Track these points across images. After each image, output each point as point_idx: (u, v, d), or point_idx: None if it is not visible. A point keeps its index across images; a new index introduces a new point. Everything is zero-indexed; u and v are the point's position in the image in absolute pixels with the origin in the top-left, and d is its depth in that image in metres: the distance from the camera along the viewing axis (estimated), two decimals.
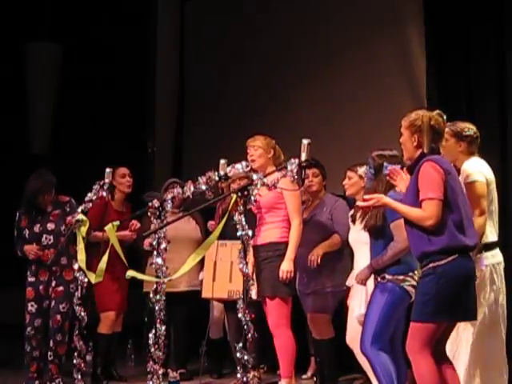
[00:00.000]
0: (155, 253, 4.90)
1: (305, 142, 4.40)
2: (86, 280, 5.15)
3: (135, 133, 8.95)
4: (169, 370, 5.78)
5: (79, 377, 5.15)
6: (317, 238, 5.20)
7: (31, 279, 5.49)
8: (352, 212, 4.93)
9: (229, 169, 4.76)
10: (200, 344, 5.98)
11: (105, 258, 5.06)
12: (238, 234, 4.52)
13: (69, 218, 5.36)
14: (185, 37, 9.08)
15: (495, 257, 4.26)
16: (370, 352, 4.22)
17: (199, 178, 4.80)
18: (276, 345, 4.90)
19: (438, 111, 3.84)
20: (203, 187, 4.78)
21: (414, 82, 6.57)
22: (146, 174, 8.75)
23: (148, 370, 4.88)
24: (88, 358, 5.85)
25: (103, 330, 5.79)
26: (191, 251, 4.94)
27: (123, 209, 5.94)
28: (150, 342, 4.85)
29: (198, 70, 8.80)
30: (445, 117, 3.84)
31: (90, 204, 5.31)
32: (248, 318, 4.41)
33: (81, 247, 5.15)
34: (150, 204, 5.00)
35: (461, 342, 4.18)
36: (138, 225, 5.75)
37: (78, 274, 5.17)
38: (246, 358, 4.40)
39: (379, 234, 4.27)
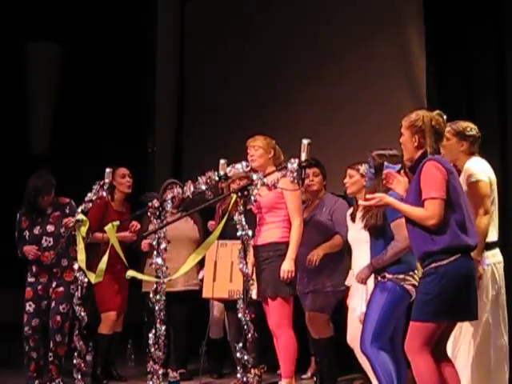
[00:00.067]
0: (155, 253, 4.90)
1: (305, 141, 4.40)
2: (86, 280, 5.16)
3: (135, 133, 8.94)
4: (169, 370, 5.77)
5: (79, 377, 5.16)
6: (317, 238, 5.20)
7: (31, 279, 5.49)
8: (351, 210, 4.93)
9: (229, 169, 4.76)
10: (200, 344, 5.97)
11: (105, 259, 5.06)
12: (238, 233, 4.53)
13: (65, 220, 5.36)
14: (185, 37, 9.08)
15: (496, 256, 4.28)
16: (370, 351, 4.22)
17: (199, 177, 4.80)
18: (277, 345, 4.89)
19: (438, 111, 3.84)
20: (203, 187, 4.77)
21: (413, 82, 6.58)
22: (146, 174, 8.74)
23: (148, 369, 4.89)
24: (88, 358, 5.85)
25: (104, 331, 5.80)
26: (190, 251, 4.95)
27: (123, 209, 5.94)
28: (150, 341, 4.85)
29: (197, 70, 8.80)
30: (445, 117, 3.84)
31: (90, 204, 5.31)
32: (248, 318, 4.41)
33: (81, 247, 5.16)
34: (149, 204, 5.00)
35: (463, 341, 4.18)
36: (139, 226, 5.76)
37: (78, 274, 5.18)
38: (246, 357, 4.41)
39: (379, 233, 4.26)
